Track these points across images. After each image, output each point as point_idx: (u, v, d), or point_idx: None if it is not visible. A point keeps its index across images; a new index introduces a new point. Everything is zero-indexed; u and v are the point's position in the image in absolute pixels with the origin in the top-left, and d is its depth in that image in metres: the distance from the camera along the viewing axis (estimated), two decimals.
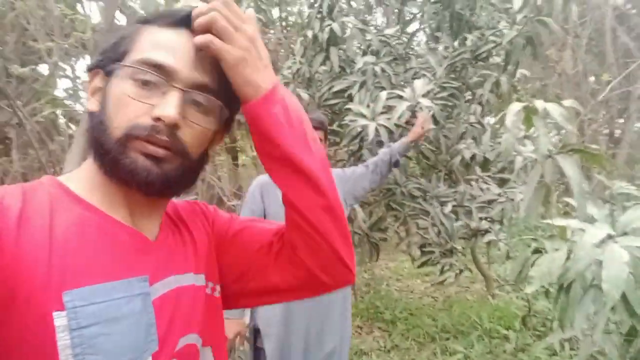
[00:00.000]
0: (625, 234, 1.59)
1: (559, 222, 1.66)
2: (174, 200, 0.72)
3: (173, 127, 0.58)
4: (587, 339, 2.07)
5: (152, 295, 0.58)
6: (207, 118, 0.61)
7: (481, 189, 3.29)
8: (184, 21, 0.60)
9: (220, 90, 0.62)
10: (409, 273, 5.77)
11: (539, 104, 1.91)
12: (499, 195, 3.21)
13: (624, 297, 1.59)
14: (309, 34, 3.17)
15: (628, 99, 6.43)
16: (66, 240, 0.53)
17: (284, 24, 5.71)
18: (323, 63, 3.16)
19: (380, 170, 2.17)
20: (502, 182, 3.45)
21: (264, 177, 2.02)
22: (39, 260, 0.51)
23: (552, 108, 1.89)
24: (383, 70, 2.76)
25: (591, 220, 1.64)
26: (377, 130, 2.32)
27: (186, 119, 0.59)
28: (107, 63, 0.61)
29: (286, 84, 3.30)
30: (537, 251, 2.00)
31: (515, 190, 3.20)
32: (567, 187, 3.11)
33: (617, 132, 7.31)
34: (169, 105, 0.57)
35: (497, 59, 3.17)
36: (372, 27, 3.63)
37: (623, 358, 2.09)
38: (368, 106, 2.53)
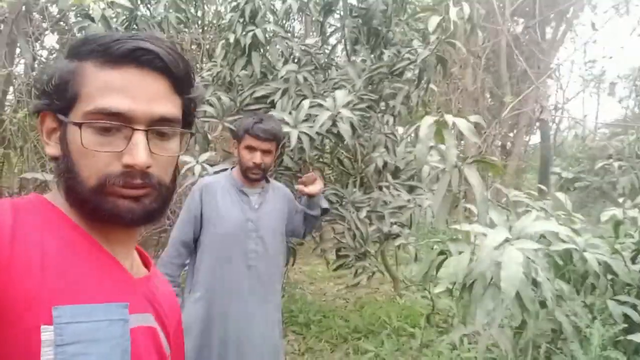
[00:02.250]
0: (518, 238, 1.80)
1: (465, 227, 1.83)
2: None
3: (145, 169, 0.59)
4: (485, 333, 2.28)
5: (131, 324, 0.60)
6: (171, 144, 0.63)
7: (392, 196, 3.50)
8: (128, 56, 0.59)
9: (178, 112, 0.63)
10: (322, 276, 5.91)
11: (449, 118, 2.09)
12: (409, 201, 3.43)
13: (517, 294, 1.79)
14: (231, 37, 3.15)
15: (518, 115, 7.21)
16: (58, 258, 0.55)
17: (200, 22, 5.59)
18: (244, 67, 3.16)
19: (311, 228, 2.29)
20: (411, 189, 3.69)
21: (207, 179, 2.06)
22: (32, 275, 0.52)
23: (460, 122, 2.08)
24: (305, 79, 2.84)
25: (491, 225, 1.84)
26: (299, 137, 2.38)
27: (154, 154, 0.60)
28: (56, 108, 0.60)
29: (206, 87, 3.24)
30: (442, 253, 2.18)
31: (422, 197, 3.44)
32: (467, 195, 3.41)
33: (508, 145, 8.17)
34: (137, 151, 0.57)
35: (409, 74, 3.39)
36: (291, 36, 3.69)
37: (514, 349, 2.34)
38: (290, 113, 2.58)
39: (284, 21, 4.02)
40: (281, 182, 2.42)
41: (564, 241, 2.04)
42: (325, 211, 2.25)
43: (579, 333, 2.17)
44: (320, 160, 3.25)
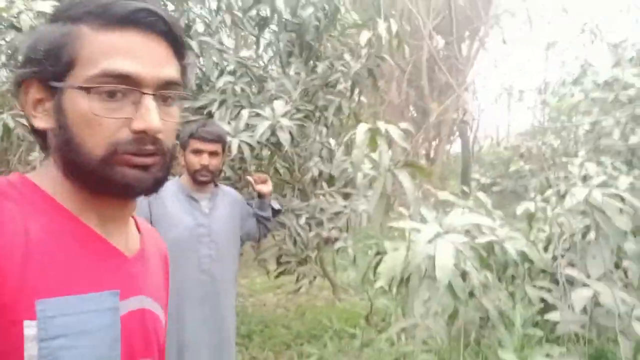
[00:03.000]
0: (448, 232, 1.98)
1: (400, 224, 1.99)
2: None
3: (157, 135, 0.57)
4: (422, 324, 2.45)
5: (121, 310, 0.57)
6: (175, 109, 0.61)
7: (329, 203, 3.63)
8: (129, 18, 0.55)
9: (179, 76, 0.61)
10: (261, 288, 5.91)
11: (382, 125, 2.26)
12: (344, 207, 3.58)
13: (449, 283, 1.96)
14: None
15: (439, 125, 7.73)
16: (42, 247, 0.51)
17: None
18: None
19: (264, 231, 2.32)
20: (346, 196, 3.85)
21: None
22: (13, 265, 0.49)
23: (392, 129, 2.25)
24: (242, 90, 2.90)
25: (423, 221, 2.01)
26: (239, 146, 2.43)
27: (162, 120, 0.57)
28: (47, 75, 0.56)
29: None
30: (379, 254, 2.33)
31: (357, 202, 3.61)
32: (398, 199, 3.62)
33: (432, 153, 8.73)
34: (150, 116, 0.55)
35: (341, 86, 3.56)
36: (226, 48, 3.73)
37: (448, 337, 2.52)
38: (229, 123, 2.63)
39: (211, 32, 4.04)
40: None
41: (486, 234, 2.26)
42: (276, 212, 2.32)
43: (504, 317, 2.40)
44: (259, 170, 3.31)
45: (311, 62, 3.36)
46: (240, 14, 3.31)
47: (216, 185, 2.14)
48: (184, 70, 0.62)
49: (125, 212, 0.63)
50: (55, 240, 0.53)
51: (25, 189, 0.55)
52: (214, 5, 3.53)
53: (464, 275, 2.14)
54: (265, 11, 2.95)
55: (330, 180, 3.85)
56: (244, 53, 3.50)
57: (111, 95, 0.54)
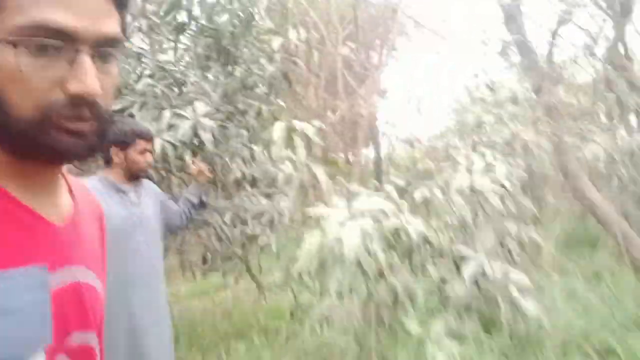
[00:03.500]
0: (355, 216, 2.22)
1: (313, 211, 2.20)
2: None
3: (94, 98, 0.50)
4: (339, 306, 2.67)
5: (51, 285, 0.53)
6: (114, 67, 0.54)
7: (252, 202, 3.78)
8: None
9: (120, 30, 0.54)
10: (186, 295, 5.86)
11: (297, 123, 2.47)
12: (267, 206, 3.75)
13: (359, 263, 2.20)
14: None
15: (355, 130, 8.18)
16: None
17: None
18: None
19: (187, 218, 2.45)
20: (268, 196, 4.03)
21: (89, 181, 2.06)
22: None
23: (306, 127, 2.47)
24: (163, 92, 2.98)
25: (335, 208, 2.24)
26: (162, 146, 2.52)
27: (100, 81, 0.51)
28: None
29: None
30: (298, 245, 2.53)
31: (279, 201, 3.80)
32: (317, 191, 3.84)
33: (350, 156, 9.18)
34: (87, 77, 0.49)
35: (259, 90, 3.73)
36: (144, 52, 3.76)
37: (363, 317, 2.77)
38: (151, 124, 2.70)
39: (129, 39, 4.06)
40: None
41: (391, 219, 2.55)
42: (202, 206, 2.48)
43: (409, 294, 2.69)
44: (182, 170, 3.38)
45: (229, 66, 3.51)
46: (156, 19, 3.37)
47: None
48: (124, 22, 0.55)
49: (54, 178, 0.58)
50: None
51: None
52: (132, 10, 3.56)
53: (372, 256, 2.39)
54: (182, 17, 3.05)
55: (254, 182, 4.00)
56: (162, 57, 3.56)
57: (42, 50, 0.47)
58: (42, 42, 0.47)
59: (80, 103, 0.50)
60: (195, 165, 2.54)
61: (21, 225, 0.52)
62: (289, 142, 2.43)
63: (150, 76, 3.27)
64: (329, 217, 2.13)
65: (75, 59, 0.49)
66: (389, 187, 3.18)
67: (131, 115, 2.83)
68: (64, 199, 0.60)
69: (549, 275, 3.57)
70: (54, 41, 0.48)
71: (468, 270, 2.52)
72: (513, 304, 2.38)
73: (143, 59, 3.22)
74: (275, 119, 4.44)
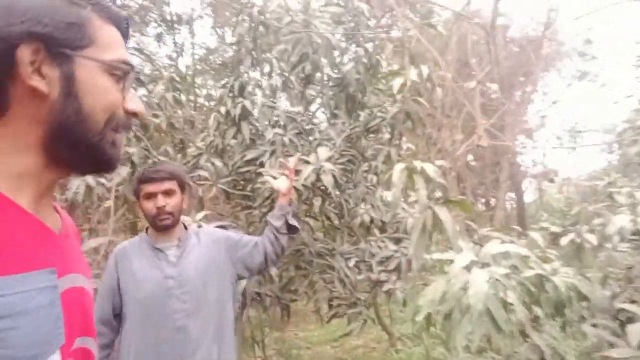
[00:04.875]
0: (485, 263, 1.98)
1: (436, 255, 2.03)
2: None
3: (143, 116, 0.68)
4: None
5: (59, 288, 0.57)
6: None
7: (379, 247, 3.69)
8: (117, 21, 0.65)
9: None
10: (318, 341, 5.88)
11: (417, 163, 2.36)
12: (395, 251, 3.62)
13: (490, 315, 1.95)
14: (222, 110, 3.50)
15: (498, 171, 7.62)
16: None
17: (191, 105, 6.05)
18: (234, 136, 3.47)
19: (273, 248, 1.96)
20: (397, 241, 3.89)
21: (122, 245, 1.89)
22: None
23: (427, 166, 2.34)
24: (291, 141, 3.14)
25: (461, 252, 2.03)
26: None
27: None
28: (61, 42, 0.57)
29: (200, 154, 3.54)
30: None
31: (407, 246, 3.64)
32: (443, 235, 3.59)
33: (492, 201, 8.51)
34: (139, 101, 0.66)
35: (386, 135, 3.72)
36: (279, 107, 4.05)
37: None
38: (278, 171, 2.84)
39: (270, 99, 4.39)
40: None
41: (533, 268, 2.23)
42: (291, 230, 1.99)
43: (557, 355, 2.29)
44: (308, 214, 3.47)
45: (356, 112, 3.57)
46: (287, 75, 3.63)
47: (186, 228, 1.92)
48: None
49: (53, 189, 0.65)
50: None
51: None
52: (266, 69, 3.90)
53: (506, 307, 2.10)
54: (309, 69, 3.22)
55: (382, 227, 3.92)
56: (294, 109, 3.79)
57: (117, 79, 0.62)
58: (125, 72, 0.63)
59: (130, 119, 0.65)
60: (287, 163, 2.10)
61: (32, 233, 0.57)
62: (410, 184, 2.31)
63: (282, 126, 3.49)
64: (454, 262, 1.93)
65: (128, 88, 0.65)
66: (534, 233, 2.83)
67: (262, 164, 3.02)
68: (54, 212, 0.67)
69: None
70: (127, 72, 0.64)
71: (633, 328, 2.05)
72: None
73: (275, 112, 3.46)
74: (408, 160, 4.37)
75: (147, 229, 1.91)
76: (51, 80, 0.57)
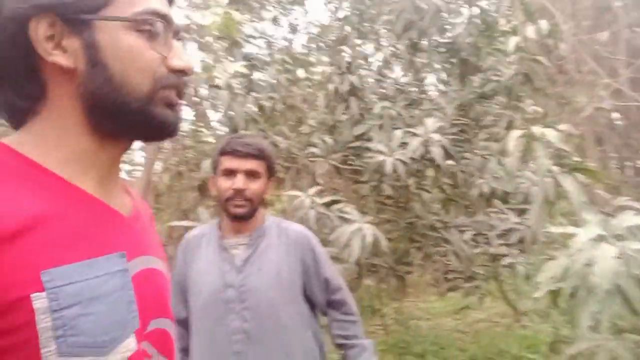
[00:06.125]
0: (619, 237, 1.78)
1: (557, 229, 1.87)
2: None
3: (190, 74, 0.60)
4: (603, 345, 2.18)
5: (130, 272, 0.56)
6: None
7: (500, 219, 3.48)
8: None
9: None
10: (438, 312, 5.81)
11: (537, 129, 2.18)
12: (518, 223, 3.39)
13: (622, 293, 1.76)
14: (331, 87, 3.56)
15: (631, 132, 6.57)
16: (39, 217, 0.49)
17: (307, 82, 6.23)
18: (344, 112, 3.52)
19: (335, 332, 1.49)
20: (521, 212, 3.63)
21: (191, 233, 1.55)
22: (13, 243, 0.46)
23: (549, 132, 2.15)
24: (399, 114, 3.09)
25: (585, 224, 1.84)
26: (394, 164, 2.60)
27: None
28: (75, 9, 0.53)
29: (312, 132, 3.67)
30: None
31: (529, 218, 3.38)
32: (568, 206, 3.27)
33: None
34: (186, 56, 0.58)
35: (501, 99, 3.45)
36: (388, 79, 3.97)
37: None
38: (386, 146, 2.83)
39: (383, 70, 4.27)
40: (385, 215, 2.18)
41: None
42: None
43: None
44: (420, 187, 3.40)
45: (469, 77, 3.37)
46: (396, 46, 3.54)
47: (262, 221, 1.47)
48: None
49: (118, 165, 0.63)
50: (50, 208, 0.50)
51: (7, 157, 0.52)
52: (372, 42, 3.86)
53: None
54: (415, 37, 3.11)
55: (505, 198, 3.69)
56: (403, 79, 3.70)
57: (150, 35, 0.56)
58: (154, 26, 0.56)
59: (181, 77, 0.58)
60: None
61: (95, 217, 0.55)
62: (528, 152, 2.15)
63: (390, 99, 3.45)
64: (578, 236, 1.76)
65: (171, 42, 0.58)
66: None
67: (369, 139, 3.02)
68: (124, 192, 0.65)
69: None
70: (162, 24, 0.56)
71: None
72: None
73: (383, 84, 3.42)
74: (528, 126, 4.03)
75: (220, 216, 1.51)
76: (74, 53, 0.54)
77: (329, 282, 1.47)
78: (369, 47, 3.95)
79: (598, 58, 4.96)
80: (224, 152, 1.42)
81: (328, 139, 3.33)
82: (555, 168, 2.17)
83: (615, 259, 1.60)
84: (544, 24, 2.35)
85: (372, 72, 3.56)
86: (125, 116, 0.56)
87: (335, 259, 2.76)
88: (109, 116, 0.56)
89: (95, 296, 0.50)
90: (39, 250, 0.48)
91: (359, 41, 3.71)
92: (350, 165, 3.37)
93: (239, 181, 1.38)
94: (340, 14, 4.08)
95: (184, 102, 0.60)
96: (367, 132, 3.19)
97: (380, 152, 2.74)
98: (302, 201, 2.86)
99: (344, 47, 3.62)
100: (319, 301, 1.48)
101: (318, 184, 3.34)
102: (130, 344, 0.53)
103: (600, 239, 1.69)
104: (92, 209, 0.55)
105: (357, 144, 3.23)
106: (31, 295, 0.46)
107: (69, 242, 0.51)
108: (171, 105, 0.58)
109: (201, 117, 4.41)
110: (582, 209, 2.04)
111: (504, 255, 3.08)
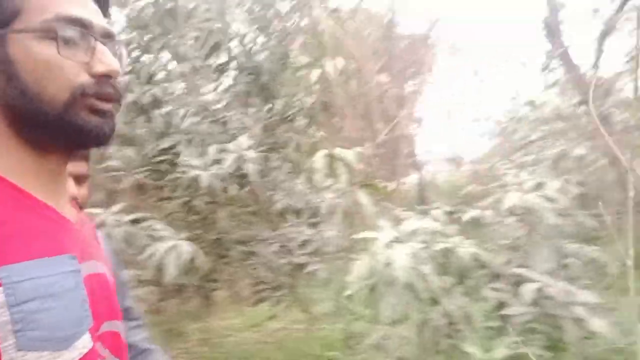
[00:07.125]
0: (404, 239, 2.18)
1: (361, 235, 2.18)
2: None
3: (116, 77, 0.58)
4: (393, 333, 2.59)
5: (82, 274, 0.57)
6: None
7: (297, 232, 3.80)
8: None
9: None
10: (239, 327, 5.88)
11: (337, 150, 2.49)
12: (312, 235, 3.76)
13: (411, 285, 2.14)
14: (129, 98, 3.32)
15: (394, 158, 8.19)
16: None
17: None
18: (145, 124, 3.33)
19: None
20: (313, 225, 4.03)
21: None
22: None
23: (346, 153, 2.48)
24: (208, 131, 3.10)
25: (382, 230, 2.21)
26: (210, 180, 2.60)
27: None
28: None
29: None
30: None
31: (324, 230, 3.79)
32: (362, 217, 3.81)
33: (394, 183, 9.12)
34: (109, 59, 0.57)
35: (299, 122, 3.80)
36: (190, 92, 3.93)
37: (419, 343, 2.66)
38: (198, 160, 2.80)
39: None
40: (192, 231, 2.18)
41: (441, 242, 2.47)
42: None
43: (465, 318, 2.58)
44: (227, 202, 3.45)
45: (269, 101, 3.61)
46: (199, 62, 3.54)
47: None
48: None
49: (64, 174, 0.63)
50: (5, 211, 0.52)
51: None
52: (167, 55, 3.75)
53: (425, 279, 2.32)
54: (222, 58, 3.19)
55: (298, 213, 4.02)
56: (208, 97, 3.72)
57: (67, 41, 0.54)
58: (67, 32, 0.54)
59: (105, 82, 0.57)
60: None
61: (50, 222, 0.56)
62: (331, 170, 2.43)
63: (195, 115, 3.41)
64: (377, 240, 2.10)
65: (94, 47, 0.56)
66: (435, 211, 3.11)
67: (177, 154, 2.95)
68: (68, 201, 0.65)
69: (622, 295, 3.34)
70: (78, 30, 0.55)
71: (525, 288, 2.39)
72: (579, 323, 2.22)
73: (187, 100, 3.38)
74: (316, 149, 4.52)
75: None
76: None
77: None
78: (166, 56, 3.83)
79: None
80: None
81: (130, 152, 3.10)
82: (349, 185, 2.53)
83: (407, 257, 1.97)
84: (339, 62, 2.73)
85: (177, 84, 3.47)
86: (45, 126, 0.55)
87: (144, 281, 2.58)
88: (30, 127, 0.56)
89: (51, 293, 0.51)
90: None
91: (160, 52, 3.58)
92: (155, 180, 3.20)
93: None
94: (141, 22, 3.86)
95: (117, 106, 0.59)
96: (174, 146, 3.09)
97: (193, 167, 2.70)
98: (104, 220, 2.59)
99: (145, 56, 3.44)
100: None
101: (117, 201, 3.07)
102: (86, 342, 0.55)
103: (395, 240, 2.06)
104: (44, 214, 0.56)
105: (163, 158, 3.09)
106: None
107: (24, 241, 0.52)
108: (97, 112, 0.57)
109: None
110: (375, 218, 2.43)
111: (306, 264, 3.37)
